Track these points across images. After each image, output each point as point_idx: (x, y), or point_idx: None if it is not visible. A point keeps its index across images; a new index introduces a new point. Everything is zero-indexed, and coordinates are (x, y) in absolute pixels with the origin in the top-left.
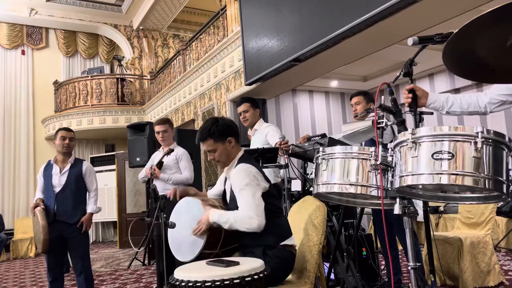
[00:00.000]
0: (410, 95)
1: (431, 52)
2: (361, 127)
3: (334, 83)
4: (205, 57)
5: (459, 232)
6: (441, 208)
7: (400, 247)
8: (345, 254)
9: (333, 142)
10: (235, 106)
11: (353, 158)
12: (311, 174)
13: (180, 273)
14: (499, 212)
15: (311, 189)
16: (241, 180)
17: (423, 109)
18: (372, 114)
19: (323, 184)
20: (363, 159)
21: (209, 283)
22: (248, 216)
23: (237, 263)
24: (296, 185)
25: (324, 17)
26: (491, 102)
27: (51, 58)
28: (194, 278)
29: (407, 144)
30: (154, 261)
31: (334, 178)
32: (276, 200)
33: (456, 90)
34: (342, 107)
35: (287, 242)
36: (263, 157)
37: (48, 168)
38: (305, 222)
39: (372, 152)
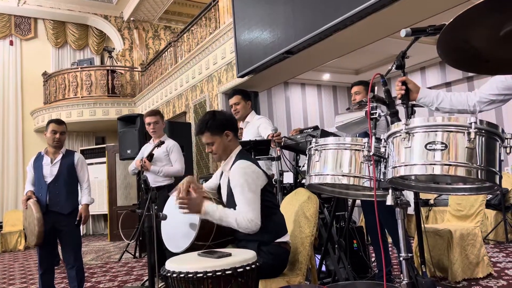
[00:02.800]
0: (404, 87)
1: (423, 45)
2: (354, 118)
3: (326, 76)
4: (196, 49)
5: (449, 225)
6: (431, 201)
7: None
8: (336, 246)
9: (325, 134)
10: (227, 98)
11: (346, 149)
12: (303, 166)
13: (171, 265)
14: (488, 205)
15: (303, 181)
16: (242, 180)
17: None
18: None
19: (315, 175)
20: (356, 150)
21: (201, 274)
22: (247, 219)
23: (229, 254)
24: (288, 178)
25: (316, 9)
26: (481, 101)
27: (40, 49)
28: (185, 269)
29: (400, 135)
30: (145, 253)
31: (327, 169)
32: (272, 195)
33: (447, 84)
34: (334, 100)
35: (282, 239)
36: (255, 149)
37: (38, 159)
38: (297, 214)
39: (365, 143)
